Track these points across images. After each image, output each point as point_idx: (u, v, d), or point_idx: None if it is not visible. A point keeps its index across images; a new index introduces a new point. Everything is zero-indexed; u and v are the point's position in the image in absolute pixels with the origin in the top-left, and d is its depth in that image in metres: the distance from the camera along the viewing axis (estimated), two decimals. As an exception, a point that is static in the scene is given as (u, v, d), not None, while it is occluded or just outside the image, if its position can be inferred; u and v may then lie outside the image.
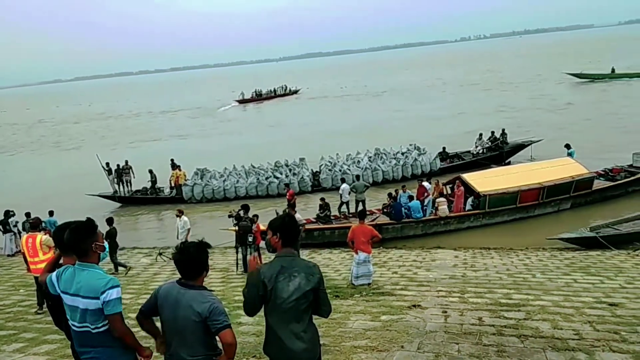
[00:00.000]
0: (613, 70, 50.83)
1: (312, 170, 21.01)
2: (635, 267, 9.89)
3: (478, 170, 18.01)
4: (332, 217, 15.37)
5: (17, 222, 15.27)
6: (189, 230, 12.58)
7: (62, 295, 3.13)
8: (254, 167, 21.29)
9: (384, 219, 14.73)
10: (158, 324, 3.16)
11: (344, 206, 16.33)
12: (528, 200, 14.86)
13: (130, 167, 21.84)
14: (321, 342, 3.30)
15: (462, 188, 15.02)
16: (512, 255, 11.48)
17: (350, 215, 15.66)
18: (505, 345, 5.40)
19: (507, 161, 21.20)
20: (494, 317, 6.45)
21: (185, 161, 22.76)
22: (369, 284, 8.76)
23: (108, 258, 10.68)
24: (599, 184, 15.90)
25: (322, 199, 15.75)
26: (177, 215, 13.00)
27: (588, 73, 51.88)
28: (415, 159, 20.60)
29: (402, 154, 21.20)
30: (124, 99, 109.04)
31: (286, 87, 75.93)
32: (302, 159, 21.54)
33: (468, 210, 14.82)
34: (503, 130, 22.45)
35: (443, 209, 14.62)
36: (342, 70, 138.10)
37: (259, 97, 70.96)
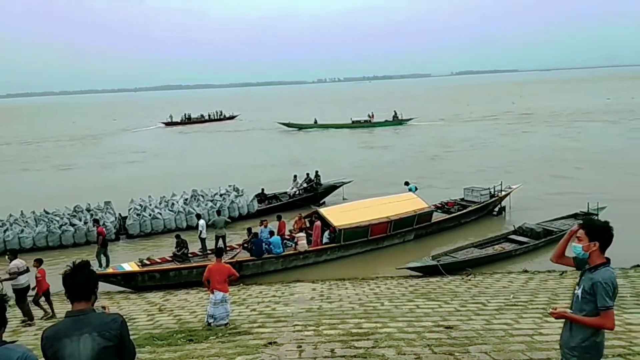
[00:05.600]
0: (315, 121, 58.10)
1: (119, 214, 19.41)
2: (468, 290, 11.07)
3: (295, 211, 19.08)
4: (190, 255, 14.79)
5: None
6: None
7: None
8: (47, 212, 18.82)
9: (244, 255, 14.59)
10: None
11: (201, 243, 15.82)
12: (378, 233, 15.94)
13: None
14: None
15: (319, 222, 15.58)
16: (364, 285, 12.11)
17: (210, 252, 15.22)
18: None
19: (321, 202, 22.17)
20: (345, 347, 6.68)
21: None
22: (226, 324, 8.51)
23: None
24: (437, 217, 17.68)
25: (178, 236, 15.12)
26: None
27: (295, 123, 58.35)
28: (233, 201, 20.21)
29: (221, 195, 20.76)
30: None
31: (221, 112, 75.86)
32: (107, 203, 20.02)
33: (325, 244, 15.38)
34: (317, 172, 23.39)
35: (302, 243, 14.98)
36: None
37: (187, 121, 70.55)
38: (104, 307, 3.25)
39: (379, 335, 7.20)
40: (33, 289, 10.62)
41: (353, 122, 55.79)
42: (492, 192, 19.19)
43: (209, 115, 75.17)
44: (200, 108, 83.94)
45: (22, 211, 18.90)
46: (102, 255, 15.11)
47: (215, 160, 36.87)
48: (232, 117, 75.80)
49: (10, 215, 18.49)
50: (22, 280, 10.39)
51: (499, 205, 19.68)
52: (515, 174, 24.87)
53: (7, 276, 10.26)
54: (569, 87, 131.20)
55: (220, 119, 74.47)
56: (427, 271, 13.39)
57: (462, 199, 19.42)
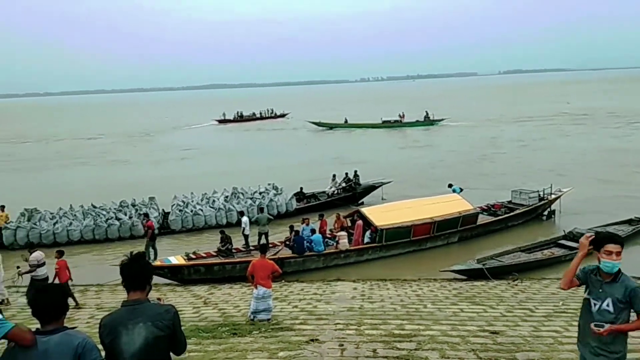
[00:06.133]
0: (346, 121, 58.02)
1: (162, 210, 19.81)
2: (514, 296, 10.77)
3: (333, 210, 18.84)
4: (233, 251, 15.07)
5: None
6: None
7: None
8: (94, 207, 19.42)
9: (286, 252, 14.73)
10: None
11: (244, 239, 16.08)
12: (421, 234, 15.71)
13: None
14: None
15: (360, 222, 15.52)
16: (406, 287, 11.98)
17: (253, 249, 15.46)
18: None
19: (360, 202, 21.94)
20: (387, 348, 6.64)
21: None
22: (268, 319, 8.62)
23: None
24: (482, 219, 17.27)
25: (222, 232, 15.43)
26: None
27: (326, 122, 58.52)
28: (272, 199, 20.31)
29: (260, 193, 20.95)
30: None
31: (272, 110, 77.15)
32: (151, 198, 20.43)
33: (366, 243, 15.31)
34: (355, 171, 23.18)
35: (343, 242, 14.97)
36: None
37: (240, 119, 72.67)
38: (158, 299, 3.35)
39: (421, 338, 7.11)
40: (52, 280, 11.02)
41: (383, 122, 55.39)
42: (542, 195, 18.56)
43: (261, 113, 76.09)
44: (246, 106, 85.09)
45: (71, 205, 19.64)
46: (150, 248, 15.61)
47: (258, 158, 37.29)
48: (282, 115, 76.54)
49: (60, 209, 19.26)
50: (41, 272, 10.88)
51: (548, 209, 19.00)
52: (567, 177, 24.00)
53: (28, 269, 10.75)
54: (626, 87, 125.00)
55: (271, 117, 75.31)
56: (472, 274, 13.09)
57: (510, 202, 18.87)
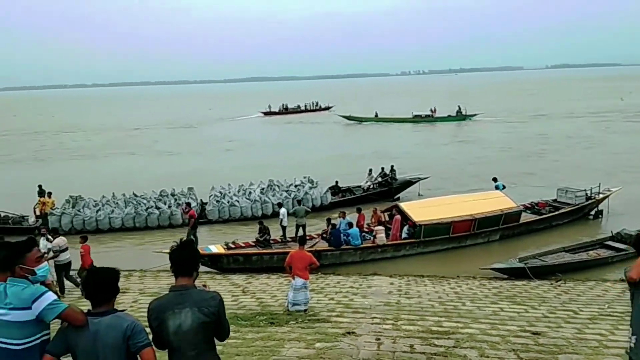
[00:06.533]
0: (376, 115, 57.29)
1: (200, 200, 20.06)
2: (557, 297, 10.46)
3: (369, 204, 18.43)
4: (271, 242, 15.26)
5: None
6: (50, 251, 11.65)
7: None
8: (135, 195, 20.00)
9: (323, 245, 14.79)
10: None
11: (282, 231, 16.23)
12: (461, 231, 15.44)
13: None
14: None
15: (399, 216, 15.40)
16: (444, 284, 11.83)
17: (290, 240, 15.61)
18: (435, 372, 5.51)
19: (396, 197, 21.62)
20: (425, 344, 6.58)
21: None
22: (305, 310, 8.70)
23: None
24: (525, 217, 16.80)
25: (261, 222, 15.65)
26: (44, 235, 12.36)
27: (355, 116, 57.79)
28: (307, 192, 20.31)
29: (295, 186, 20.99)
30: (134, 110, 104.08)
31: (317, 103, 78.04)
32: (190, 189, 20.82)
33: (404, 239, 15.18)
34: (392, 166, 22.86)
35: (381, 237, 14.90)
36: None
37: (285, 111, 73.84)
38: (204, 285, 3.44)
39: (460, 336, 7.02)
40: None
41: (414, 116, 54.68)
42: (589, 194, 17.89)
43: (305, 106, 76.52)
44: (287, 100, 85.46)
45: (113, 193, 20.29)
46: (192, 237, 16.01)
47: (297, 151, 37.55)
48: (327, 108, 76.37)
49: (103, 197, 19.96)
50: (63, 257, 11.33)
51: (595, 209, 18.28)
52: (617, 176, 23.01)
53: (52, 254, 11.18)
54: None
55: (315, 110, 75.61)
56: (513, 273, 12.78)
57: (555, 200, 18.28)
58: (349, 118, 57.70)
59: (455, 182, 23.71)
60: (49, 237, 12.21)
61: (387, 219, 16.21)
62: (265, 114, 72.41)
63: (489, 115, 54.84)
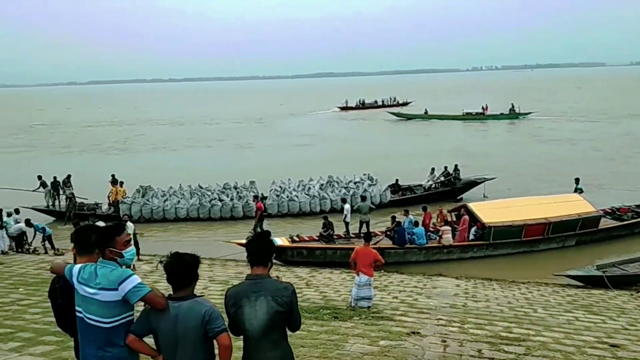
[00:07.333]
0: (426, 112, 56.98)
1: (261, 194, 20.13)
2: (638, 308, 9.78)
3: (430, 204, 17.71)
4: (335, 237, 15.35)
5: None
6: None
7: (78, 286, 3.18)
8: (201, 187, 20.62)
9: (386, 243, 14.68)
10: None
11: (345, 227, 16.25)
12: (533, 235, 14.77)
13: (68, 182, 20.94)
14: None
15: (467, 217, 14.97)
16: (514, 288, 11.39)
17: (353, 236, 15.62)
18: (504, 379, 5.34)
19: (459, 197, 20.88)
20: (493, 350, 6.38)
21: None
22: (368, 307, 8.69)
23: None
24: (605, 223, 15.79)
25: (325, 217, 15.77)
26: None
27: (405, 113, 59.05)
28: (366, 190, 20.01)
29: (355, 183, 20.78)
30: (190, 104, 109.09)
31: (394, 98, 77.89)
32: (252, 182, 21.12)
33: (471, 240, 14.75)
34: (456, 165, 22.04)
35: (447, 237, 14.56)
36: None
37: (362, 106, 74.19)
38: (277, 277, 3.53)
39: (531, 343, 6.74)
40: None
41: (465, 113, 53.19)
42: (678, 201, 16.52)
43: (383, 101, 75.79)
44: (354, 95, 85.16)
45: (180, 184, 21.08)
46: (258, 229, 16.43)
47: (364, 146, 37.41)
48: (405, 104, 75.17)
49: (171, 187, 20.81)
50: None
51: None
52: None
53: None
54: None
55: (392, 105, 74.22)
56: (590, 282, 12.07)
57: (638, 206, 17.05)
58: (398, 115, 57.59)
59: (526, 184, 22.55)
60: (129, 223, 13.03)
61: (454, 219, 15.82)
62: (342, 109, 72.50)
63: (547, 113, 52.67)
